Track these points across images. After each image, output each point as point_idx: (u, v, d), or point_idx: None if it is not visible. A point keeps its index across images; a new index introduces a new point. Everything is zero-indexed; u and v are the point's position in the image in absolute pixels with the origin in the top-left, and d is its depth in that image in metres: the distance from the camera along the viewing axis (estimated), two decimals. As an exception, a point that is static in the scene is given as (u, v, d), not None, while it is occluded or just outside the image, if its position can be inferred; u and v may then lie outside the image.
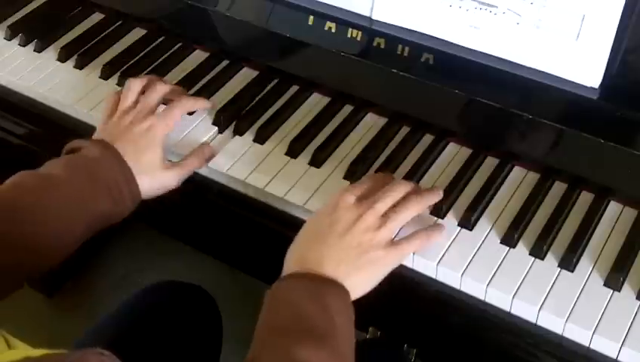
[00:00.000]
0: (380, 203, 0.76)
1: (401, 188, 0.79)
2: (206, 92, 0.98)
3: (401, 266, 0.80)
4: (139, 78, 0.91)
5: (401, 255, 0.77)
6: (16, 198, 0.78)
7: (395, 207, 0.77)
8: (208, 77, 1.02)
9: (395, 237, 0.77)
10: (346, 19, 0.91)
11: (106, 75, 1.03)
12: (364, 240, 0.74)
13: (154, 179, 0.85)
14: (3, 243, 0.74)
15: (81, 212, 0.79)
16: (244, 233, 0.95)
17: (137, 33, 1.10)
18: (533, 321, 0.75)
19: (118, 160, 0.82)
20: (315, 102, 0.98)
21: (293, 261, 0.75)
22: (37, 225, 0.77)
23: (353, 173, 0.87)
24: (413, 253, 0.78)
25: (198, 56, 1.06)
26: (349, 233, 0.74)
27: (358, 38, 0.90)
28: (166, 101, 0.91)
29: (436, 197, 0.81)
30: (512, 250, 0.79)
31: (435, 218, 0.82)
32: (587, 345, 0.72)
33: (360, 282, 0.74)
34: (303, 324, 0.68)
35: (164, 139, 0.87)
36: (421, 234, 0.78)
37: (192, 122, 0.95)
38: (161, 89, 0.90)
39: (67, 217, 0.79)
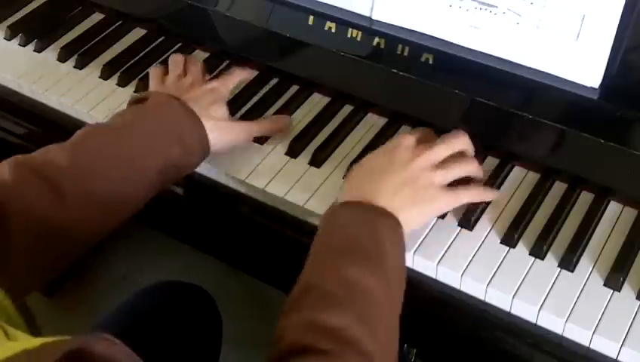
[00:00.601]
0: (438, 148, 0.79)
1: (462, 141, 0.81)
2: (206, 92, 0.98)
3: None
4: (179, 54, 0.96)
5: (455, 198, 0.79)
6: (88, 149, 0.78)
7: (453, 157, 0.79)
8: (208, 77, 1.02)
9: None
10: (346, 19, 0.91)
11: (106, 75, 1.03)
12: (421, 178, 0.76)
13: (223, 131, 0.86)
14: (81, 195, 0.75)
15: (151, 158, 0.80)
16: (244, 233, 0.95)
17: (137, 33, 1.10)
18: (533, 321, 0.75)
19: (187, 109, 0.83)
20: (315, 102, 0.98)
21: (349, 192, 0.77)
22: (110, 172, 0.78)
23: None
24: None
25: (198, 56, 1.05)
26: (406, 169, 0.76)
27: (358, 38, 0.90)
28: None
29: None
30: (512, 250, 0.79)
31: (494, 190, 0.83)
32: (587, 345, 0.72)
33: (413, 216, 0.76)
34: (354, 248, 0.70)
35: (226, 100, 0.90)
36: (478, 187, 0.81)
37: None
38: (197, 64, 0.94)
39: (138, 164, 0.79)
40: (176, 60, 0.94)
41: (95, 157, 0.78)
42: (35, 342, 0.51)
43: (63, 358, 0.50)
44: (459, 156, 0.80)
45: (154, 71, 0.94)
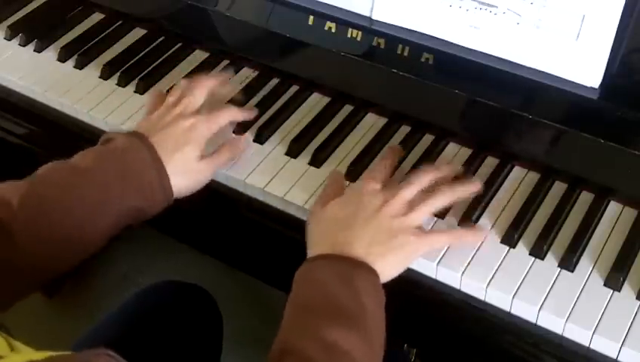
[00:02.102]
0: (406, 189, 0.76)
1: (429, 177, 0.78)
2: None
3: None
4: (187, 78, 0.90)
5: (432, 242, 0.76)
6: (43, 190, 0.76)
7: (424, 194, 0.77)
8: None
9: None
10: (346, 19, 0.91)
11: (106, 75, 1.02)
12: (393, 225, 0.74)
13: (188, 177, 0.83)
14: (31, 234, 0.73)
15: (109, 205, 0.77)
16: (244, 233, 0.95)
17: (137, 33, 1.10)
18: (533, 321, 0.75)
19: (152, 155, 0.80)
20: (315, 102, 0.98)
21: (320, 244, 0.74)
22: (64, 215, 0.75)
23: (353, 173, 0.87)
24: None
25: (198, 56, 1.06)
26: (376, 218, 0.74)
27: (358, 38, 0.90)
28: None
29: (472, 188, 0.80)
30: (512, 250, 0.79)
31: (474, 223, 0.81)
32: (587, 345, 0.72)
33: (390, 265, 0.74)
34: (332, 306, 0.68)
35: (204, 141, 0.84)
36: (456, 231, 0.79)
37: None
38: (207, 83, 0.89)
39: (95, 209, 0.77)
40: (181, 85, 0.89)
41: (50, 199, 0.76)
42: (40, 355, 0.51)
43: None
44: (430, 193, 0.77)
45: (151, 96, 0.91)
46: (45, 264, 0.75)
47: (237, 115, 0.91)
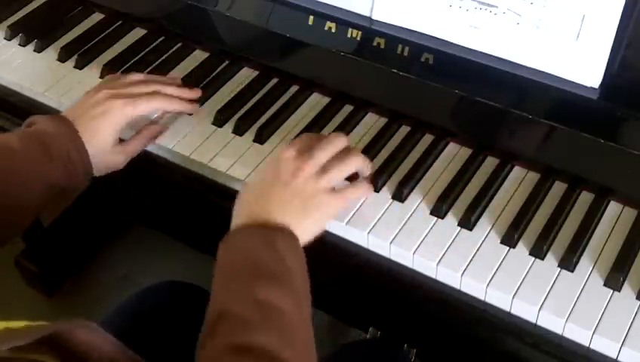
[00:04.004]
0: (319, 153, 0.79)
1: (341, 141, 0.82)
2: (206, 92, 0.98)
3: (401, 266, 0.80)
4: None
5: (345, 200, 0.80)
6: None
7: (336, 158, 0.80)
8: (208, 77, 1.02)
9: None
10: (346, 19, 0.91)
11: (106, 75, 1.02)
12: (307, 188, 0.77)
13: (102, 160, 0.87)
14: None
15: (34, 181, 0.81)
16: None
17: (137, 33, 1.10)
18: (533, 321, 0.75)
19: (73, 135, 0.84)
20: (315, 102, 0.98)
21: (241, 215, 0.77)
22: None
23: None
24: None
25: (198, 56, 1.06)
26: (292, 182, 0.77)
27: (358, 38, 0.90)
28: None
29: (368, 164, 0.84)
30: (512, 250, 0.79)
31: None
32: (587, 345, 0.72)
33: (307, 227, 0.77)
34: (259, 268, 0.70)
35: (120, 125, 0.88)
36: (364, 183, 0.83)
37: (191, 122, 0.95)
38: (151, 77, 0.93)
39: (19, 185, 0.80)
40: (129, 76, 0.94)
41: None
42: (19, 323, 0.52)
43: (44, 340, 0.51)
44: (342, 156, 0.81)
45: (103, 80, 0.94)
46: None
47: (165, 104, 0.93)
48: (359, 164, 0.83)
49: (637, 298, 0.74)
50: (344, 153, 0.81)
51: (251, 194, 0.78)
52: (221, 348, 0.64)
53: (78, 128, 0.85)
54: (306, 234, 0.76)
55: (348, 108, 0.96)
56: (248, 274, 0.70)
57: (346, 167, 0.81)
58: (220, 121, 0.95)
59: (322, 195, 0.77)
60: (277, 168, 0.78)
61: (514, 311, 0.76)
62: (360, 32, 0.90)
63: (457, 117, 0.89)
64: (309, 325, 0.70)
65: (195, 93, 0.97)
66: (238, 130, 0.94)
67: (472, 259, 0.78)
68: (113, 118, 0.87)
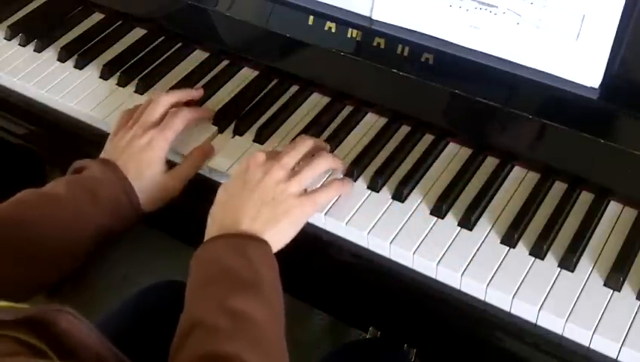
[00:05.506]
0: (286, 157, 0.80)
1: (307, 143, 0.83)
2: (206, 92, 0.98)
3: (401, 266, 0.80)
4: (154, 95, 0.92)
5: (315, 203, 0.79)
6: (17, 215, 0.79)
7: (304, 161, 0.81)
8: (208, 77, 1.02)
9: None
10: (346, 19, 0.91)
11: (106, 75, 1.03)
12: (276, 194, 0.77)
13: (156, 192, 0.86)
14: (4, 258, 0.75)
15: (82, 228, 0.81)
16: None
17: (137, 33, 1.10)
18: (533, 321, 0.75)
19: (119, 178, 0.83)
20: (315, 102, 0.98)
21: (212, 226, 0.77)
22: (38, 240, 0.78)
23: (353, 174, 0.87)
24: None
25: (198, 56, 1.06)
26: (259, 188, 0.77)
27: (358, 38, 0.90)
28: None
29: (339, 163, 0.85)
30: (512, 250, 0.79)
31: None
32: (587, 345, 0.72)
33: (279, 233, 0.76)
34: (230, 277, 0.70)
35: (166, 151, 0.87)
36: (335, 183, 0.82)
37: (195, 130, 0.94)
38: (164, 101, 0.90)
39: (68, 233, 0.80)
40: (144, 105, 0.91)
41: (25, 223, 0.78)
42: (1, 303, 0.52)
43: (29, 323, 0.51)
44: (310, 158, 0.81)
45: (119, 115, 0.92)
46: (25, 282, 0.77)
47: (193, 116, 0.91)
48: (329, 163, 0.83)
49: (637, 298, 0.74)
50: (313, 155, 0.82)
51: (222, 204, 0.78)
52: (193, 357, 0.64)
53: (122, 168, 0.84)
54: (278, 240, 0.76)
55: (348, 108, 0.96)
56: (220, 284, 0.70)
57: (314, 168, 0.81)
58: (219, 121, 0.95)
59: (291, 200, 0.77)
60: (245, 176, 0.79)
61: (514, 311, 0.76)
62: (360, 32, 0.90)
63: (457, 117, 0.89)
64: (282, 332, 0.70)
65: (198, 93, 0.97)
66: (238, 131, 0.94)
67: (472, 259, 0.78)
68: (158, 146, 0.86)
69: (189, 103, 0.95)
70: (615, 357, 0.71)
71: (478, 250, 0.79)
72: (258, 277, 0.71)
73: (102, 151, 0.88)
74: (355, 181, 0.86)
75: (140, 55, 1.06)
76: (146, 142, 0.86)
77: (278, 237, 0.76)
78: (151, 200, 0.86)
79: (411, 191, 0.85)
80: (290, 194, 0.77)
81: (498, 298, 0.76)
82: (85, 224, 0.81)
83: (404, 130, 0.93)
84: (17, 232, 0.77)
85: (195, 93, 0.97)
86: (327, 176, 0.85)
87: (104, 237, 0.83)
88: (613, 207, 0.82)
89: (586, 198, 0.83)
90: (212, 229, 0.77)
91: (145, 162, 0.85)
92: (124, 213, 0.83)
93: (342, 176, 0.86)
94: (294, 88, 0.99)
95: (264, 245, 0.74)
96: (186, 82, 1.00)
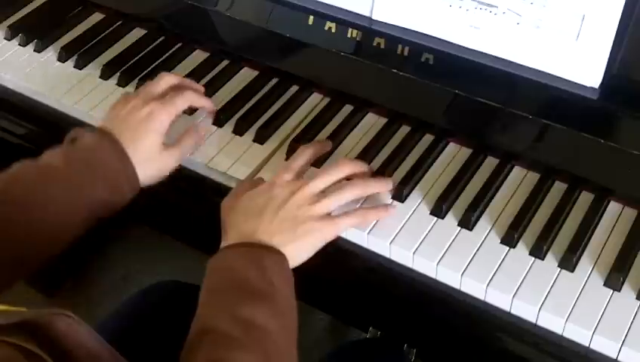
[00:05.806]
0: (317, 181, 0.79)
1: (344, 170, 0.82)
2: (206, 92, 0.98)
3: (401, 266, 0.80)
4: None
5: (337, 227, 0.79)
6: (10, 189, 0.78)
7: (336, 185, 0.80)
8: (208, 77, 1.02)
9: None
10: (346, 19, 0.91)
11: (106, 75, 1.03)
12: (298, 214, 0.77)
13: (152, 165, 0.84)
14: (2, 229, 0.75)
15: (79, 201, 0.80)
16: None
17: (137, 33, 1.10)
18: (533, 321, 0.75)
19: (116, 148, 0.82)
20: (315, 102, 0.98)
21: (231, 234, 0.77)
22: (33, 215, 0.77)
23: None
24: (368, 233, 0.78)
25: (198, 56, 1.06)
26: (283, 208, 0.77)
27: (358, 38, 0.90)
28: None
29: (384, 187, 0.83)
30: (512, 250, 0.79)
31: (393, 201, 0.84)
32: (587, 345, 0.72)
33: (297, 251, 0.76)
34: (243, 286, 0.70)
35: (165, 126, 0.85)
36: (360, 211, 0.81)
37: (192, 122, 0.95)
38: (169, 79, 0.90)
39: (65, 206, 0.79)
40: (147, 83, 0.91)
41: (21, 198, 0.77)
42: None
43: (25, 327, 0.51)
44: (342, 184, 0.80)
45: (123, 93, 0.92)
46: (23, 256, 0.77)
47: (197, 100, 0.91)
48: (359, 193, 0.82)
49: (637, 298, 0.74)
50: (349, 180, 0.81)
51: (242, 214, 0.78)
52: None
53: (120, 139, 0.82)
54: (295, 258, 0.76)
55: (348, 108, 0.96)
56: (234, 293, 0.70)
57: (342, 196, 0.80)
58: (220, 121, 0.95)
59: (313, 222, 0.77)
60: (270, 192, 0.78)
61: (514, 311, 0.76)
62: (360, 32, 0.90)
63: (457, 117, 0.89)
64: (293, 345, 0.70)
65: (200, 88, 0.96)
66: (238, 131, 0.94)
67: (472, 259, 0.78)
68: (158, 119, 0.84)
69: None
70: (615, 357, 0.71)
71: (478, 250, 0.79)
72: (273, 288, 0.71)
73: (99, 123, 0.87)
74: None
75: (140, 55, 1.06)
76: (146, 114, 0.84)
77: (296, 254, 0.76)
78: (146, 174, 0.84)
79: (411, 191, 0.85)
80: (311, 216, 0.77)
81: (498, 298, 0.76)
82: (81, 197, 0.80)
83: (404, 130, 0.93)
84: (6, 208, 0.76)
85: (198, 86, 0.96)
86: (361, 201, 0.83)
87: (99, 212, 0.81)
88: (613, 207, 0.82)
89: (586, 198, 0.83)
90: (231, 234, 0.77)
91: (143, 133, 0.83)
92: (119, 186, 0.81)
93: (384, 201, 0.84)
94: (294, 88, 0.99)
95: (281, 258, 0.74)
96: (186, 82, 1.00)
